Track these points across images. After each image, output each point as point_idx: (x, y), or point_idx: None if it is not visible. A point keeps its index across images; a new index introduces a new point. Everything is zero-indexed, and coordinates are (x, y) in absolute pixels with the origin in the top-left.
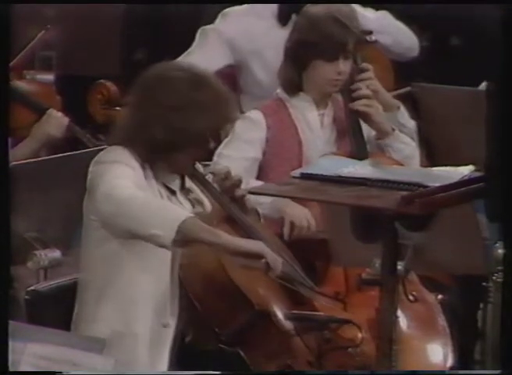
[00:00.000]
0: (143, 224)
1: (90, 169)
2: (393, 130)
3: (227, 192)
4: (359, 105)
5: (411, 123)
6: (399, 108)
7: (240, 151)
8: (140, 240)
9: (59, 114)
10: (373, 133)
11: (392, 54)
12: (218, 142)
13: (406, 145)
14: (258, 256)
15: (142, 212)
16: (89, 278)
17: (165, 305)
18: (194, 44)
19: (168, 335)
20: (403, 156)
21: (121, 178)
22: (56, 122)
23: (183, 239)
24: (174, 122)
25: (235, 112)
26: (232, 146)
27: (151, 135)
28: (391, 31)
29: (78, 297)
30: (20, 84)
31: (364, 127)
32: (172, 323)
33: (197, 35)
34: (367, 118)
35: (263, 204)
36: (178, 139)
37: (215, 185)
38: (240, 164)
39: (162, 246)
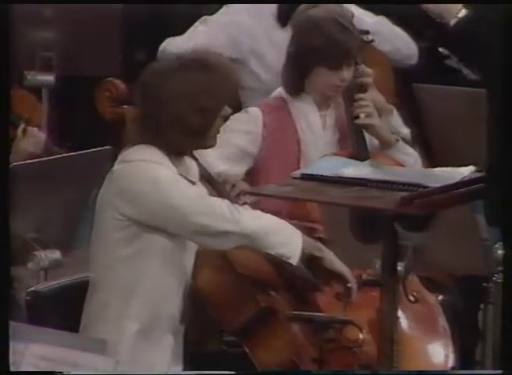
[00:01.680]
0: (270, 245)
1: (117, 167)
2: (397, 140)
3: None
4: (362, 120)
5: (405, 130)
6: (392, 112)
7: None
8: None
9: (35, 131)
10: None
11: (390, 61)
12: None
13: (409, 156)
14: (343, 280)
15: (270, 236)
16: (108, 278)
17: (183, 299)
18: (191, 29)
19: (182, 330)
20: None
21: (187, 184)
22: (33, 139)
23: (303, 256)
24: (200, 102)
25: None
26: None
27: (181, 120)
28: (389, 38)
29: (92, 298)
30: None
31: None
32: (186, 317)
33: (197, 23)
34: (370, 129)
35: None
36: (206, 119)
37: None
38: (222, 150)
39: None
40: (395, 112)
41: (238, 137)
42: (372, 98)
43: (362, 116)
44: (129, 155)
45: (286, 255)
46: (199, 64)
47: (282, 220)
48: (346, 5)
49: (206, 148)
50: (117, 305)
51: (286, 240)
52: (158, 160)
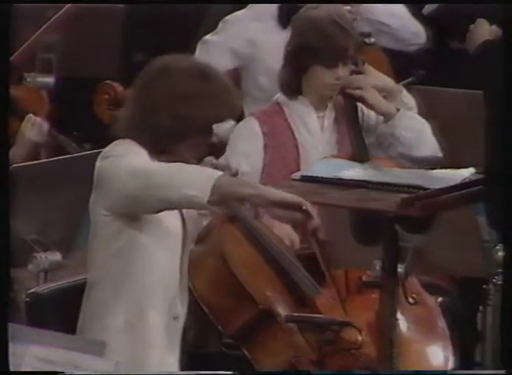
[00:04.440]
0: (175, 188)
1: (98, 163)
2: (398, 110)
3: None
4: (354, 92)
5: (413, 103)
6: (401, 91)
7: (236, 165)
8: (175, 207)
9: (38, 120)
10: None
11: (400, 40)
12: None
13: (415, 120)
14: (297, 207)
15: (173, 177)
16: (102, 276)
17: (176, 297)
18: (195, 55)
19: (178, 328)
20: (416, 132)
21: (140, 158)
22: (36, 128)
23: (220, 197)
24: (179, 109)
25: (239, 104)
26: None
27: (155, 123)
28: (399, 15)
29: (88, 297)
30: None
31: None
32: (182, 316)
33: (198, 46)
34: (367, 103)
35: None
36: (182, 127)
37: None
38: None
39: (199, 207)
40: (404, 90)
41: (246, 161)
42: (376, 80)
43: (356, 92)
44: (108, 151)
45: (192, 194)
46: (195, 71)
47: (197, 166)
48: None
49: (184, 161)
50: (106, 303)
51: (193, 179)
52: (134, 152)
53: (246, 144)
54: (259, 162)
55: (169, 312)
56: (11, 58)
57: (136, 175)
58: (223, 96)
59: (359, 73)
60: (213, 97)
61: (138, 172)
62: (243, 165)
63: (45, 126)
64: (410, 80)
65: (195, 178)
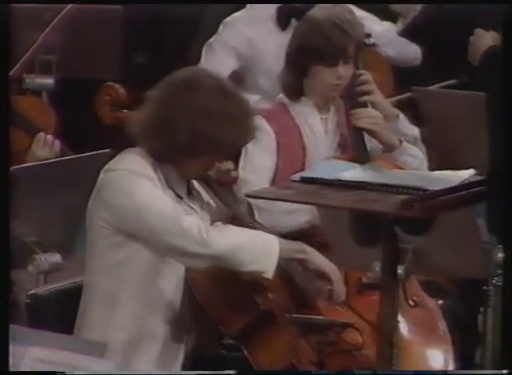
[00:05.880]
0: (240, 264)
1: (102, 175)
2: (401, 142)
3: (220, 178)
4: (363, 123)
5: (414, 130)
6: (398, 116)
7: (262, 162)
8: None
9: (50, 138)
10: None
11: (397, 62)
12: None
13: (414, 158)
14: (328, 279)
15: (239, 255)
16: (98, 283)
17: (180, 308)
18: (202, 59)
19: (183, 338)
20: (411, 169)
21: (164, 201)
22: (48, 147)
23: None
24: (199, 127)
25: (255, 130)
26: (253, 159)
27: (173, 136)
28: (396, 44)
29: (83, 302)
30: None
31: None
32: (186, 326)
33: (204, 50)
34: (372, 133)
35: None
36: (198, 145)
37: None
38: (265, 175)
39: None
40: (401, 116)
41: (268, 157)
42: (376, 102)
43: (366, 126)
44: (113, 163)
45: (260, 271)
46: (221, 91)
47: (256, 233)
48: (350, 10)
49: (184, 177)
50: (100, 313)
51: (258, 256)
52: (139, 170)
53: (263, 141)
54: (274, 159)
55: (175, 323)
56: (13, 63)
57: (183, 235)
58: (243, 120)
59: (362, 82)
60: (234, 119)
61: (187, 233)
62: (267, 161)
63: (57, 144)
64: (451, 82)
65: (260, 255)
